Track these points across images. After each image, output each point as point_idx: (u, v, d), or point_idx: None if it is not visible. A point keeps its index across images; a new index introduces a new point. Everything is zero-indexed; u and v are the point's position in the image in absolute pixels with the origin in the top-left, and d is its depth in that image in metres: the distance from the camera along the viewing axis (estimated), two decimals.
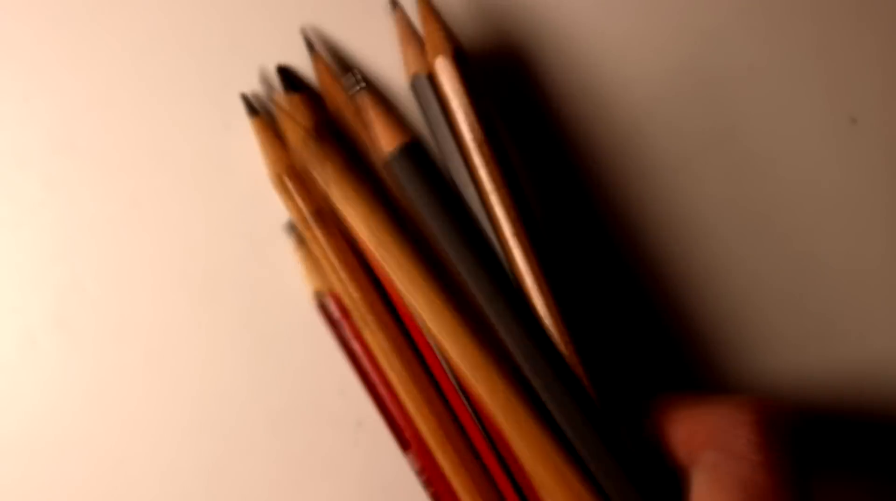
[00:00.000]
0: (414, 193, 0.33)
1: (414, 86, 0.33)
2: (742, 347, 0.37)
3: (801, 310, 0.37)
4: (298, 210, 0.34)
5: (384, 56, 0.36)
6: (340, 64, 0.36)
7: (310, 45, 0.36)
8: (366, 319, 0.34)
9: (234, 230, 0.36)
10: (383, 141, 0.33)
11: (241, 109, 0.36)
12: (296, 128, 0.34)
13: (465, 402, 0.34)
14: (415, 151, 0.33)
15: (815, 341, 0.37)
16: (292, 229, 0.35)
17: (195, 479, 0.38)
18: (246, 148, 0.36)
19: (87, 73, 0.37)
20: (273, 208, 0.35)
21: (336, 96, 0.35)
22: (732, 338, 0.36)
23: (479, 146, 0.32)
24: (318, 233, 0.34)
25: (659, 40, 0.36)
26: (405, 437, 0.34)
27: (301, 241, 0.35)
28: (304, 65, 0.36)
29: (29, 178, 0.37)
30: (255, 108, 0.35)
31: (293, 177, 0.34)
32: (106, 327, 0.37)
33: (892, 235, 0.37)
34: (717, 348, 0.36)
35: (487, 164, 0.32)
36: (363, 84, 0.34)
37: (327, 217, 0.34)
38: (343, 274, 0.34)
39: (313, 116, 0.34)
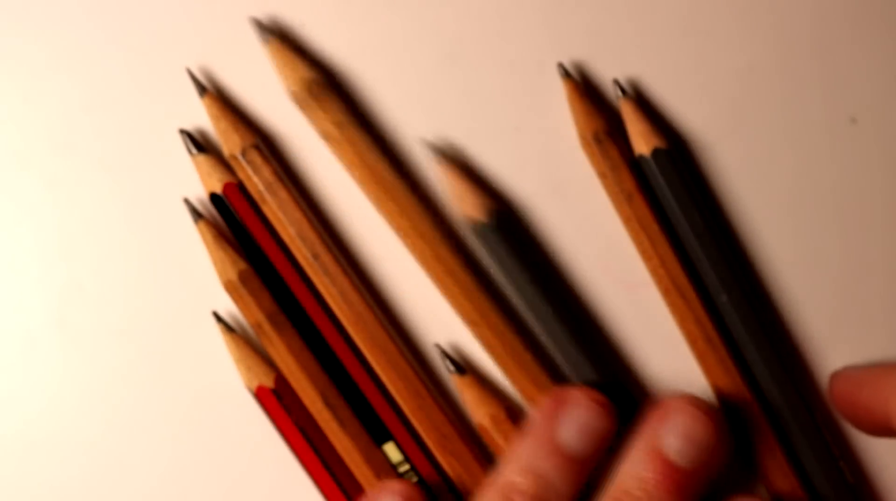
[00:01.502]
0: (499, 262, 0.35)
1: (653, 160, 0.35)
2: None
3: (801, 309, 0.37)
4: (252, 315, 0.35)
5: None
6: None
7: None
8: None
9: None
10: (469, 208, 0.35)
11: None
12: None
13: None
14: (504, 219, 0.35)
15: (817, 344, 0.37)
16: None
17: (194, 478, 0.38)
18: None
19: (86, 73, 0.37)
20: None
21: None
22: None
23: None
24: (273, 336, 0.35)
25: (659, 40, 0.36)
26: None
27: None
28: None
29: (29, 178, 0.37)
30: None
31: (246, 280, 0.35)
32: (106, 327, 0.37)
33: (893, 234, 0.36)
34: None
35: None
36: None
37: (281, 321, 0.35)
38: (299, 374, 0.35)
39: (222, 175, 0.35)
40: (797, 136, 0.36)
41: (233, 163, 0.35)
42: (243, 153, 0.35)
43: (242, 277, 0.35)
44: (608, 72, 0.36)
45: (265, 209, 0.35)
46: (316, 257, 0.35)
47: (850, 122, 0.36)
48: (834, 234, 0.36)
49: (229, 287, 0.35)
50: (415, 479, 0.36)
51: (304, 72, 0.35)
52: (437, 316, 0.37)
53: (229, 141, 0.35)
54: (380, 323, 0.36)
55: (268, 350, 0.36)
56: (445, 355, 0.36)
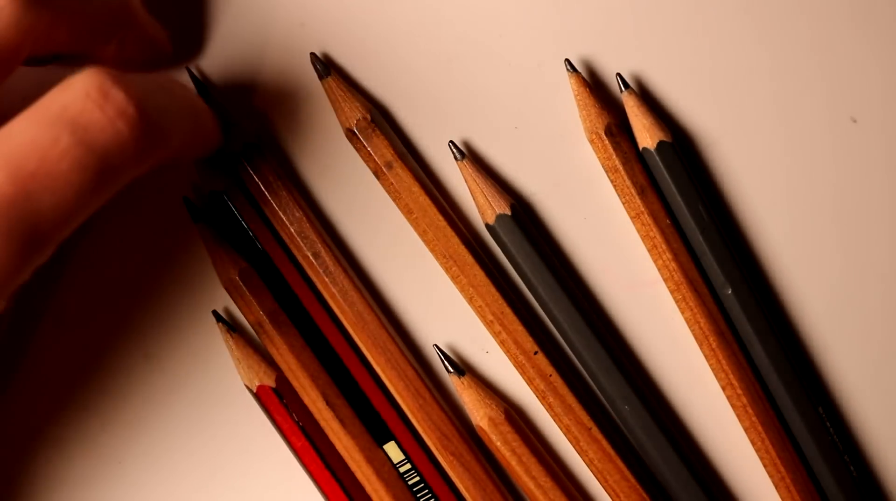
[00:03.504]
0: (517, 255, 0.35)
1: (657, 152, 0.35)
2: None
3: (804, 304, 0.37)
4: (253, 313, 0.35)
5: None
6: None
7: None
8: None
9: None
10: (485, 209, 0.35)
11: None
12: None
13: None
14: (517, 215, 0.35)
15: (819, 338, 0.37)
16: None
17: (193, 479, 0.38)
18: None
19: None
20: None
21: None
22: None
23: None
24: (273, 334, 0.35)
25: (661, 39, 0.36)
26: None
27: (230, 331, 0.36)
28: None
29: None
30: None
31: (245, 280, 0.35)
32: (106, 327, 0.37)
33: (893, 234, 0.37)
34: None
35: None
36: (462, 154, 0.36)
37: (280, 319, 0.35)
38: (299, 373, 0.35)
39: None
40: (798, 134, 0.36)
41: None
42: (244, 151, 0.35)
43: (242, 276, 0.35)
44: (610, 68, 0.36)
45: (266, 208, 0.35)
46: (316, 255, 0.35)
47: (850, 122, 0.36)
48: (835, 231, 0.37)
49: (229, 286, 0.35)
50: (416, 478, 0.36)
51: (361, 109, 0.35)
52: (437, 317, 0.37)
53: (230, 139, 0.35)
54: (380, 322, 0.36)
55: (268, 349, 0.36)
56: (443, 355, 0.36)
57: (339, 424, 0.35)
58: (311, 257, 0.35)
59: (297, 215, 0.35)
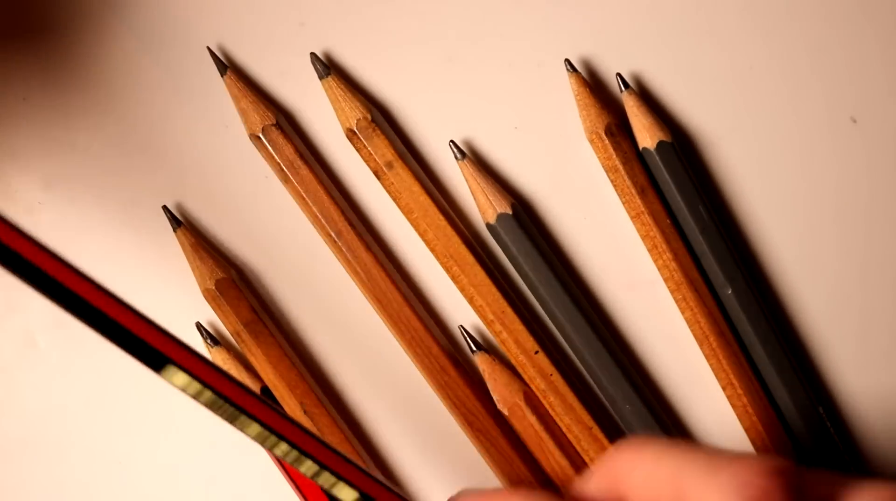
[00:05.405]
0: (518, 254, 0.35)
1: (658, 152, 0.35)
2: None
3: (804, 303, 0.37)
4: (231, 323, 0.35)
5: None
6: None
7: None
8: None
9: None
10: (486, 209, 0.35)
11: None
12: None
13: None
14: (518, 215, 0.35)
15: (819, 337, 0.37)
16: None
17: (193, 480, 0.38)
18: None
19: (85, 72, 0.37)
20: None
21: None
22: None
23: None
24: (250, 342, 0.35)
25: (661, 38, 0.36)
26: None
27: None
28: None
29: (29, 178, 0.37)
30: None
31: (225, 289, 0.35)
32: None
33: (893, 234, 0.36)
34: None
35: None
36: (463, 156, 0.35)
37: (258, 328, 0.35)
38: (277, 383, 0.35)
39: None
40: (798, 134, 0.36)
41: (254, 142, 0.35)
42: (264, 132, 0.35)
43: (220, 286, 0.35)
44: (610, 68, 0.36)
45: (287, 188, 0.35)
46: (339, 235, 0.35)
47: (851, 122, 0.36)
48: (835, 230, 0.37)
49: (207, 296, 0.35)
50: None
51: (361, 108, 0.35)
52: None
53: (249, 120, 0.35)
54: (404, 299, 0.36)
55: (248, 358, 0.36)
56: (468, 335, 0.36)
57: (317, 433, 0.35)
58: (333, 236, 0.35)
59: (319, 194, 0.35)
